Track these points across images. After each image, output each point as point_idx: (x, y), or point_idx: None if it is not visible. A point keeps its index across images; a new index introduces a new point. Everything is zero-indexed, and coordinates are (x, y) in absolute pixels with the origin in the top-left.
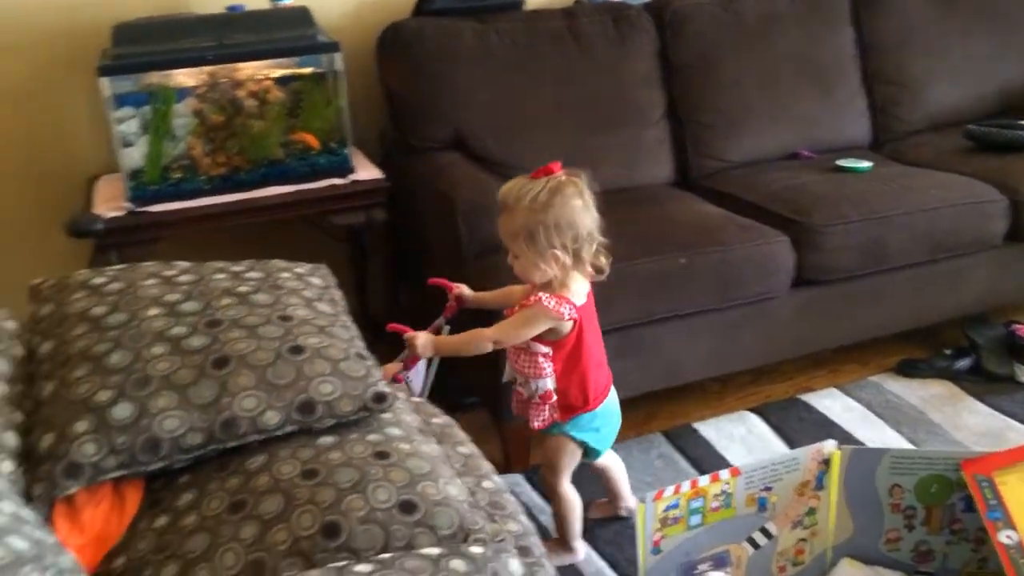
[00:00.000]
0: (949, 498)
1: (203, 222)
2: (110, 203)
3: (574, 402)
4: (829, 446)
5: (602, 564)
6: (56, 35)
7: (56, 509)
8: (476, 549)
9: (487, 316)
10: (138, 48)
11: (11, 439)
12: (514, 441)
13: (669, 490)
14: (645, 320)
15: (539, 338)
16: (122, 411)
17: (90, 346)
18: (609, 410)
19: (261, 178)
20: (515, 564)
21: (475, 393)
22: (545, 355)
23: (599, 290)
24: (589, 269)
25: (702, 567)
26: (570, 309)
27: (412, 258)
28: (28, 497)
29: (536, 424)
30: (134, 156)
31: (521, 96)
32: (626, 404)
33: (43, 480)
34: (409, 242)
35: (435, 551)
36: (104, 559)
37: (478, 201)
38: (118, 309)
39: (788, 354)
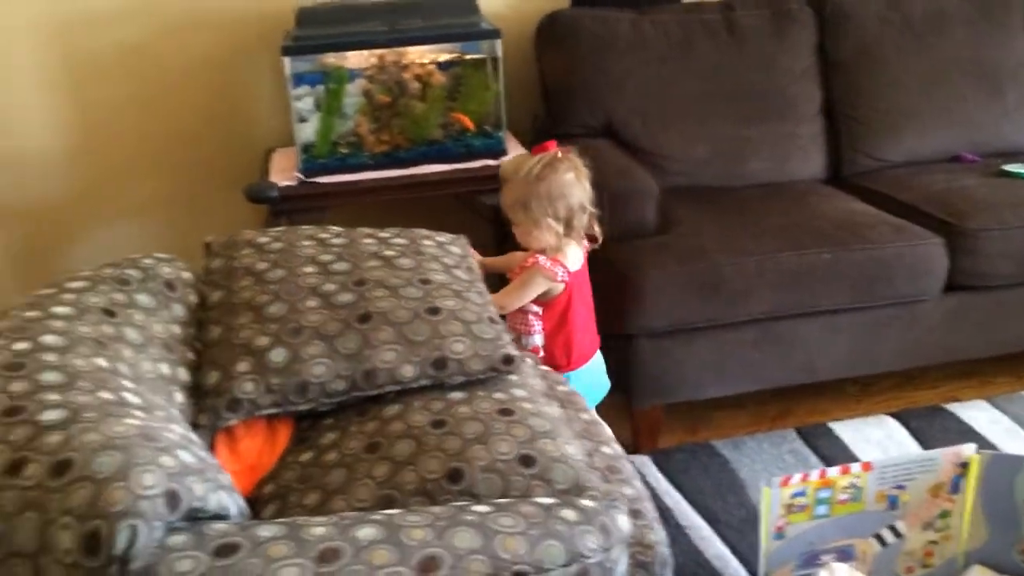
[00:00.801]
0: None
1: (365, 195)
2: (284, 173)
3: (558, 361)
4: (968, 450)
5: (724, 549)
6: (246, 17)
7: (218, 438)
8: (587, 502)
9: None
10: (318, 31)
11: (183, 374)
12: (644, 424)
13: (796, 477)
14: (785, 314)
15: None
16: (278, 355)
17: (253, 297)
18: (591, 373)
19: (420, 156)
20: (624, 520)
21: (608, 375)
22: (536, 314)
23: (739, 281)
24: (583, 239)
25: (825, 557)
26: (563, 272)
27: None
28: (194, 425)
29: None
30: (307, 131)
31: (673, 86)
32: (759, 397)
33: (208, 411)
34: None
35: (549, 500)
36: (255, 486)
37: (625, 187)
38: (278, 265)
39: (935, 360)
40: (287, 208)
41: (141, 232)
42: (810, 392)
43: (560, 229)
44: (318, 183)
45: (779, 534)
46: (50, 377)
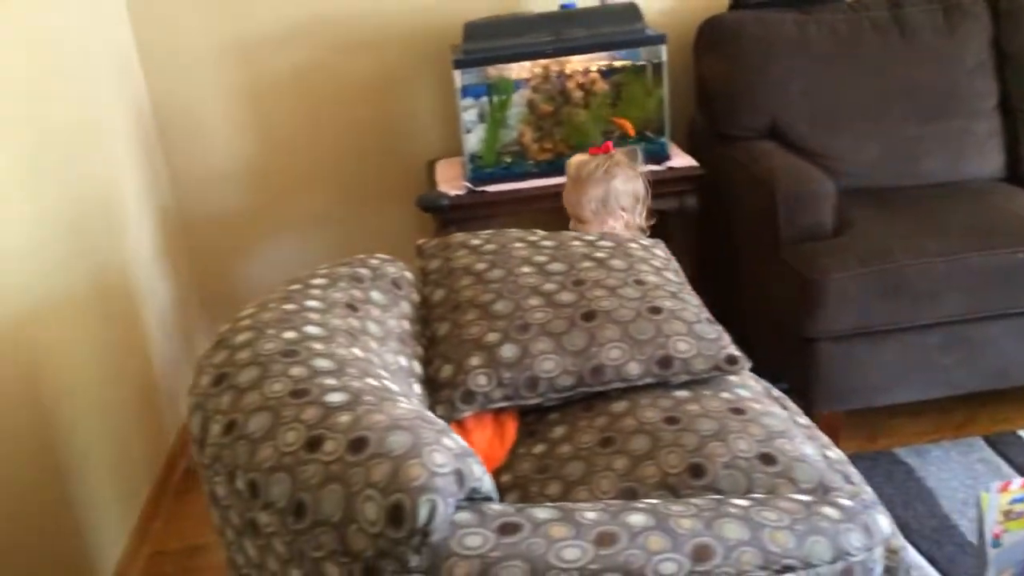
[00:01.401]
0: None
1: (530, 202)
2: (451, 183)
3: None
4: None
5: (920, 559)
6: (409, 34)
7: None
8: (846, 501)
9: None
10: (485, 43)
11: (417, 367)
12: (823, 430)
13: (1016, 482)
14: (974, 316)
15: None
16: (508, 351)
17: (476, 295)
18: None
19: None
20: (884, 520)
21: (786, 379)
22: None
23: (925, 283)
24: (640, 223)
25: None
26: None
27: (713, 246)
28: None
29: None
30: (472, 141)
31: (840, 86)
32: (939, 404)
33: (443, 403)
34: (713, 231)
35: (806, 497)
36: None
37: (798, 189)
38: (496, 266)
39: None
40: (455, 217)
41: (313, 242)
42: (992, 399)
43: (628, 219)
44: (485, 192)
45: (996, 541)
46: (323, 364)
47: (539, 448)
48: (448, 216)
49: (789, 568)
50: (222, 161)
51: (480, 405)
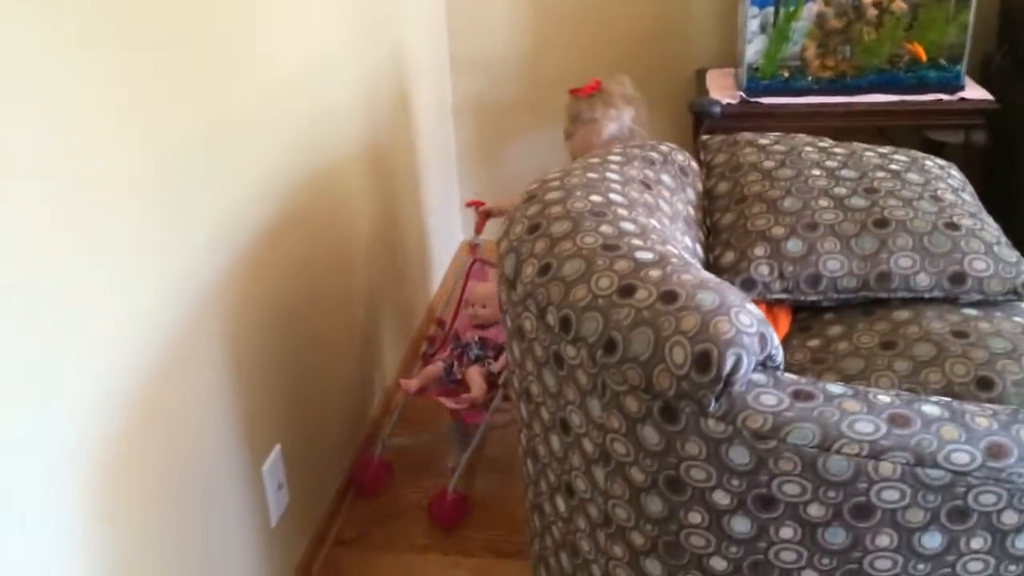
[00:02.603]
0: None
1: (805, 119)
2: (723, 92)
3: None
4: None
5: None
6: None
7: None
8: None
9: None
10: None
11: (700, 251)
12: None
13: None
14: None
15: None
16: (793, 246)
17: (764, 191)
18: None
19: (867, 84)
20: None
21: None
22: None
23: None
24: None
25: None
26: None
27: (1002, 190)
28: None
29: None
30: (751, 52)
31: None
32: None
33: None
34: (1003, 173)
35: None
36: None
37: None
38: (785, 165)
39: None
40: (723, 127)
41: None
42: None
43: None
44: (759, 103)
45: None
46: (628, 226)
47: (814, 342)
48: (716, 125)
49: None
50: (499, 52)
51: (758, 294)
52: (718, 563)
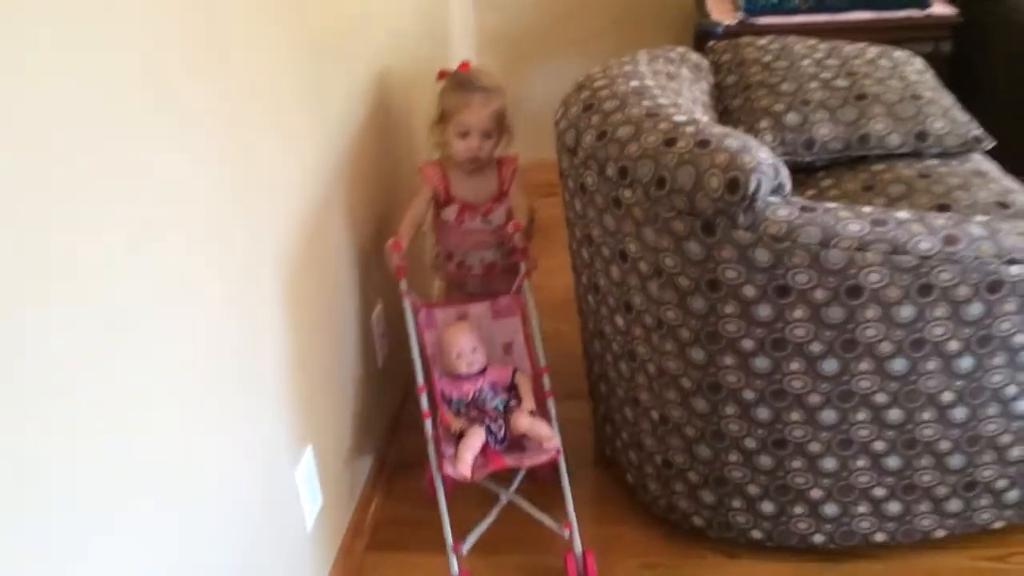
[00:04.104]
0: None
1: (796, 34)
2: (724, 13)
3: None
4: None
5: None
6: None
7: None
8: None
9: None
10: None
11: None
12: None
13: None
14: None
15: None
16: (791, 118)
17: (765, 79)
18: None
19: (848, 3)
20: None
21: None
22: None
23: None
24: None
25: None
26: None
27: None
28: None
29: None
30: None
31: None
32: None
33: None
34: (966, 77)
35: None
36: None
37: None
38: (780, 59)
39: None
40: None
41: (581, 61)
42: None
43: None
44: (756, 23)
45: None
46: (663, 101)
47: (810, 193)
48: (718, 43)
49: (1014, 261)
50: None
51: None
52: (747, 344)
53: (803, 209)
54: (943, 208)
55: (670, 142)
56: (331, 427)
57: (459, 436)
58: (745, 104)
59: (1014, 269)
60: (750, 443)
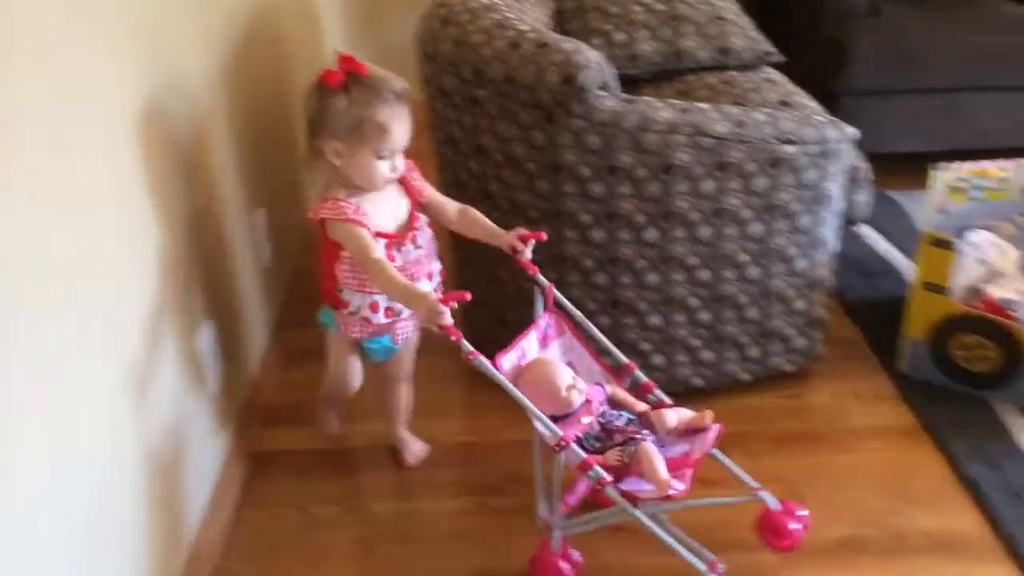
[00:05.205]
0: None
1: None
2: None
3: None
4: None
5: (892, 248)
6: None
7: None
8: (830, 118)
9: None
10: None
11: None
12: None
13: (959, 165)
14: (967, 87)
15: None
16: (619, 37)
17: (597, 4)
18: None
19: None
20: (852, 129)
21: None
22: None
23: (934, 56)
24: None
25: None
26: None
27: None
28: None
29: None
30: None
31: None
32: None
33: None
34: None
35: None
36: None
37: None
38: None
39: None
40: None
41: None
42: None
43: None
44: None
45: (942, 209)
46: (511, 15)
47: None
48: None
49: (791, 141)
50: None
51: None
52: (584, 218)
53: (625, 101)
54: (738, 105)
55: (515, 45)
56: (227, 312)
57: (621, 467)
58: (581, 26)
59: (789, 148)
60: (591, 305)
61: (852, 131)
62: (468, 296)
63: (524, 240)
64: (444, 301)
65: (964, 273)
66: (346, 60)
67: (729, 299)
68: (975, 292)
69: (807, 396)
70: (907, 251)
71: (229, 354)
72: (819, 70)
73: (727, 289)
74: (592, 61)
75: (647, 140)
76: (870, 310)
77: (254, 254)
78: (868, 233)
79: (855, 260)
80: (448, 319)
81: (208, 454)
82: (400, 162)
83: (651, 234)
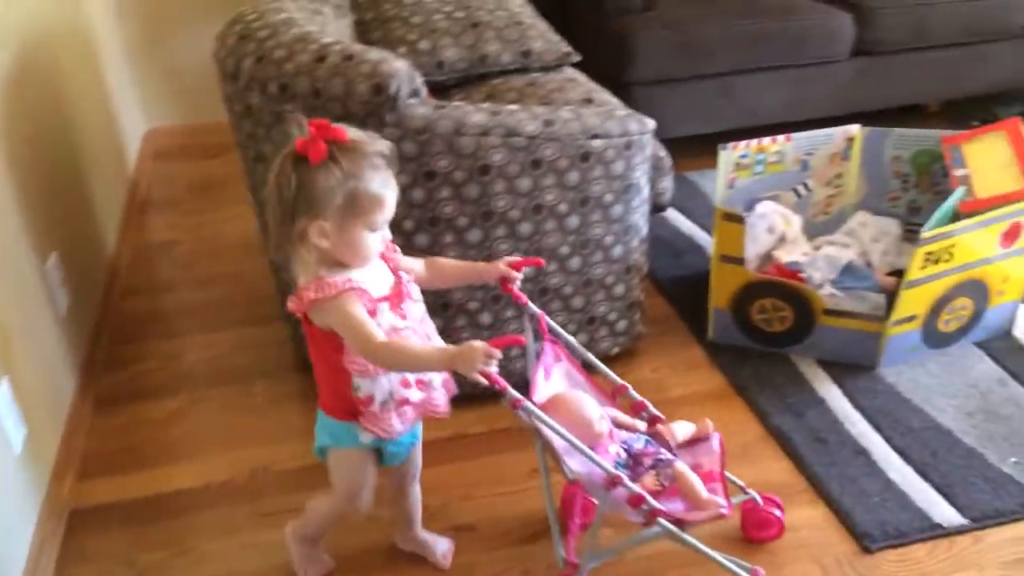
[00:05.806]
0: (933, 166)
1: None
2: None
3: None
4: (853, 128)
5: (694, 227)
6: None
7: None
8: (632, 111)
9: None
10: None
11: None
12: None
13: (742, 144)
14: (740, 69)
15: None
16: (424, 45)
17: (398, 13)
18: None
19: None
20: (651, 122)
21: None
22: None
23: (707, 43)
24: None
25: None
26: None
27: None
28: None
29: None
30: None
31: None
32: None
33: None
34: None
35: (608, 108)
36: None
37: None
38: None
39: (845, 111)
40: None
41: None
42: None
43: None
44: None
45: (731, 185)
46: (311, 28)
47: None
48: None
49: (596, 136)
50: None
51: None
52: (408, 224)
53: (437, 107)
54: (545, 105)
55: (320, 59)
56: (26, 365)
57: (658, 492)
58: (384, 36)
59: (596, 143)
60: None
61: (651, 123)
62: (523, 341)
63: (517, 268)
64: (497, 345)
65: (755, 243)
66: (322, 128)
67: (554, 291)
68: (767, 259)
69: (631, 375)
70: (707, 228)
71: (31, 410)
72: (610, 65)
73: (551, 281)
74: (400, 70)
75: (462, 144)
76: (680, 287)
77: (50, 301)
78: (672, 215)
79: (663, 241)
80: (492, 370)
81: (21, 516)
82: (387, 230)
83: (474, 235)
